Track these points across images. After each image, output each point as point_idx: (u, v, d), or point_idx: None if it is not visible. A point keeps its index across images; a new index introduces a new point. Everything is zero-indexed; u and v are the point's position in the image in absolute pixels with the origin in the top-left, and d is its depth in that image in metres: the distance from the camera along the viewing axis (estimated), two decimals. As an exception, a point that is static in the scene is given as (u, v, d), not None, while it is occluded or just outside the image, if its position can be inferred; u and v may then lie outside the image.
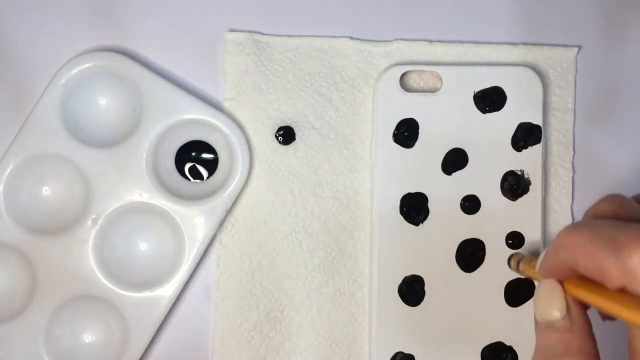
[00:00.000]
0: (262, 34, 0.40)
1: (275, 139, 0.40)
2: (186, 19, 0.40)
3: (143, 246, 0.40)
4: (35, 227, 0.39)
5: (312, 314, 0.40)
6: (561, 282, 0.28)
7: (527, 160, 0.39)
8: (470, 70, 0.39)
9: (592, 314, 0.28)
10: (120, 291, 0.38)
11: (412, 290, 0.38)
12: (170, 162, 0.40)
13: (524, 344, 0.39)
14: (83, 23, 0.40)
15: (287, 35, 0.40)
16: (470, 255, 0.39)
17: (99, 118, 0.40)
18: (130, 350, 0.38)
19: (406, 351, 0.38)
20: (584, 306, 0.28)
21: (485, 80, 0.39)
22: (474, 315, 0.39)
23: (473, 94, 0.39)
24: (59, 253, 0.39)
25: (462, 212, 0.39)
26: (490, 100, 0.39)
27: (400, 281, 0.38)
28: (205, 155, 0.40)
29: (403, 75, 0.39)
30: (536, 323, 0.28)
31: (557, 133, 0.40)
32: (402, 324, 0.38)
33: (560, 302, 0.27)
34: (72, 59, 0.39)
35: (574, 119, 0.41)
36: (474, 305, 0.39)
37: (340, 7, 0.41)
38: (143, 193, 0.39)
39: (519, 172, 0.39)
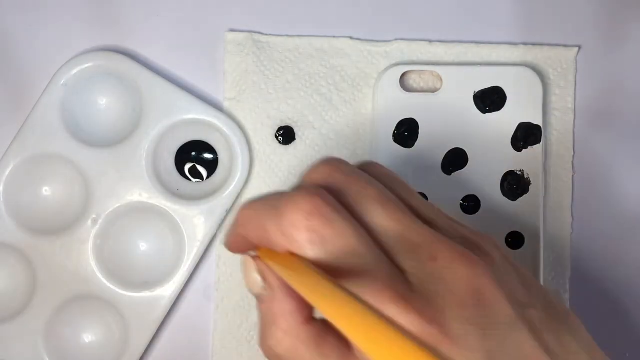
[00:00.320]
0: (262, 34, 0.40)
1: (275, 139, 0.40)
2: (186, 19, 0.40)
3: (143, 246, 0.40)
4: (35, 227, 0.39)
5: (312, 314, 0.39)
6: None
7: (527, 160, 0.39)
8: (470, 70, 0.39)
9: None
10: (120, 291, 0.38)
11: (412, 290, 0.38)
12: (170, 162, 0.40)
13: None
14: (83, 23, 0.40)
15: (287, 35, 0.40)
16: (470, 255, 0.39)
17: (99, 118, 0.40)
18: (130, 350, 0.38)
19: (406, 351, 0.38)
20: None
21: (485, 80, 0.39)
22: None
23: (473, 94, 0.39)
24: (59, 253, 0.39)
25: (462, 212, 0.39)
26: (490, 100, 0.39)
27: (400, 281, 0.38)
28: (205, 155, 0.40)
29: (403, 75, 0.39)
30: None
31: (557, 133, 0.40)
32: (402, 324, 0.38)
33: (255, 275, 0.26)
34: (72, 59, 0.39)
35: (574, 119, 0.41)
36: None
37: (340, 7, 0.41)
38: (143, 193, 0.39)
39: (519, 172, 0.39)
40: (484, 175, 0.39)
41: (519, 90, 0.39)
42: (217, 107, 0.39)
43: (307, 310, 0.26)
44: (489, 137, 0.39)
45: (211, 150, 0.40)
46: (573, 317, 0.26)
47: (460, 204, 0.39)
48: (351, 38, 0.40)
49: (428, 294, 0.24)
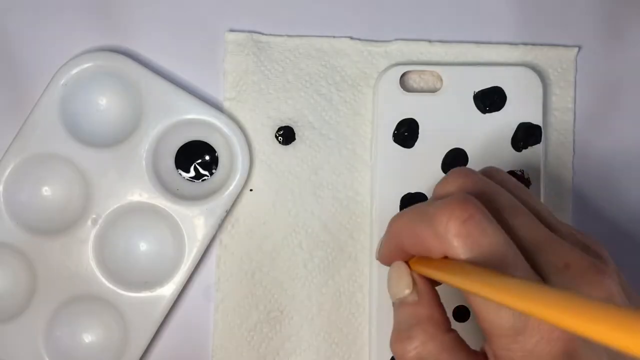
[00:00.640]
0: (262, 34, 0.40)
1: (275, 139, 0.40)
2: (186, 19, 0.40)
3: (143, 246, 0.40)
4: (35, 227, 0.39)
5: (312, 314, 0.40)
6: (407, 263, 0.29)
7: (527, 160, 0.39)
8: (470, 70, 0.39)
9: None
10: (120, 291, 0.38)
11: (412, 290, 0.38)
12: (170, 162, 0.40)
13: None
14: (83, 23, 0.40)
15: (287, 35, 0.40)
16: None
17: (99, 118, 0.40)
18: (130, 350, 0.38)
19: (406, 351, 0.38)
20: (432, 281, 0.29)
21: (485, 80, 0.39)
22: (473, 315, 0.39)
23: (473, 94, 0.39)
24: (59, 253, 0.39)
25: (462, 212, 0.39)
26: (490, 100, 0.39)
27: (400, 281, 0.38)
28: (205, 156, 0.40)
29: (403, 75, 0.39)
30: (393, 306, 0.29)
31: (557, 133, 0.40)
32: (402, 324, 0.38)
33: (407, 279, 0.29)
34: (72, 59, 0.39)
35: (574, 119, 0.41)
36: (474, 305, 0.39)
37: (340, 7, 0.41)
38: (143, 193, 0.39)
39: (519, 172, 0.39)
40: (484, 175, 0.39)
41: (519, 90, 0.39)
42: (217, 107, 0.39)
43: (448, 321, 0.28)
44: (489, 137, 0.39)
45: (211, 150, 0.40)
46: None
47: (460, 204, 0.39)
48: (351, 38, 0.40)
49: None
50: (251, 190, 0.40)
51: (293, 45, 0.40)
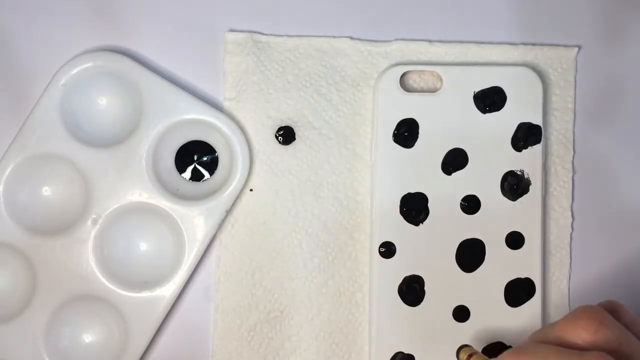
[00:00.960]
0: (262, 34, 0.40)
1: (275, 139, 0.40)
2: (186, 19, 0.40)
3: (143, 246, 0.40)
4: (35, 227, 0.39)
5: (312, 314, 0.40)
6: None
7: (527, 160, 0.39)
8: (470, 70, 0.39)
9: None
10: (120, 291, 0.38)
11: (412, 290, 0.38)
12: (170, 162, 0.40)
13: (524, 344, 0.39)
14: (83, 23, 0.40)
15: (287, 35, 0.40)
16: (470, 255, 0.39)
17: (99, 118, 0.40)
18: (130, 350, 0.38)
19: (406, 351, 0.38)
20: None
21: (485, 80, 0.39)
22: (474, 315, 0.39)
23: (473, 94, 0.39)
24: (59, 253, 0.39)
25: (462, 212, 0.39)
26: (490, 100, 0.39)
27: (400, 281, 0.38)
28: (205, 155, 0.40)
29: (403, 75, 0.39)
30: None
31: (557, 133, 0.40)
32: (402, 324, 0.38)
33: None
34: (72, 59, 0.39)
35: (574, 119, 0.41)
36: (474, 305, 0.39)
37: (340, 7, 0.41)
38: (143, 193, 0.39)
39: (519, 172, 0.39)
40: (484, 175, 0.39)
41: (519, 90, 0.39)
42: (217, 107, 0.39)
43: None
44: (489, 137, 0.39)
45: (211, 150, 0.40)
46: None
47: (461, 204, 0.39)
48: (351, 38, 0.40)
49: None
50: (251, 190, 0.40)
51: (293, 45, 0.40)
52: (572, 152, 0.40)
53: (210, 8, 0.40)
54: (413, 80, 0.40)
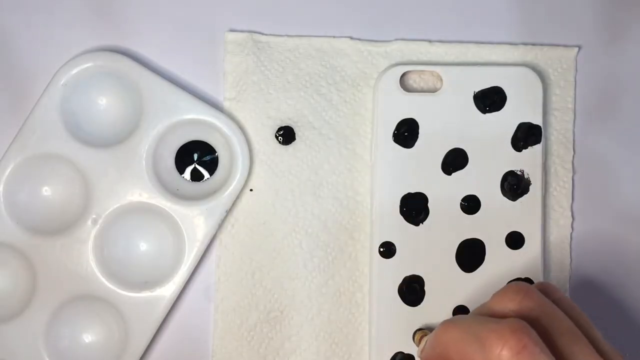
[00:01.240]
0: (262, 34, 0.40)
1: (275, 139, 0.40)
2: (186, 19, 0.40)
3: (143, 246, 0.40)
4: (35, 227, 0.39)
5: (312, 314, 0.40)
6: None
7: (527, 160, 0.39)
8: (470, 70, 0.39)
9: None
10: (120, 291, 0.38)
11: (412, 290, 0.38)
12: (170, 162, 0.40)
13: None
14: (83, 23, 0.40)
15: (287, 35, 0.40)
16: (470, 255, 0.39)
17: (99, 118, 0.40)
18: (130, 350, 0.38)
19: (406, 351, 0.38)
20: None
21: (485, 80, 0.39)
22: (474, 315, 0.39)
23: (473, 94, 0.39)
24: (59, 253, 0.39)
25: (462, 212, 0.39)
26: (490, 100, 0.39)
27: (400, 281, 0.38)
28: (205, 156, 0.40)
29: (403, 75, 0.39)
30: None
31: (557, 133, 0.40)
32: (402, 324, 0.38)
33: None
34: (72, 59, 0.39)
35: (574, 119, 0.41)
36: (474, 305, 0.39)
37: (340, 7, 0.41)
38: (143, 193, 0.39)
39: (519, 172, 0.39)
40: (484, 175, 0.39)
41: (519, 90, 0.39)
42: (217, 107, 0.39)
43: None
44: (489, 137, 0.39)
45: (211, 150, 0.40)
46: None
47: (461, 204, 0.39)
48: (351, 38, 0.40)
49: None
50: (251, 190, 0.40)
51: (293, 45, 0.40)
52: (572, 152, 0.40)
53: (210, 8, 0.40)
54: (413, 80, 0.40)
